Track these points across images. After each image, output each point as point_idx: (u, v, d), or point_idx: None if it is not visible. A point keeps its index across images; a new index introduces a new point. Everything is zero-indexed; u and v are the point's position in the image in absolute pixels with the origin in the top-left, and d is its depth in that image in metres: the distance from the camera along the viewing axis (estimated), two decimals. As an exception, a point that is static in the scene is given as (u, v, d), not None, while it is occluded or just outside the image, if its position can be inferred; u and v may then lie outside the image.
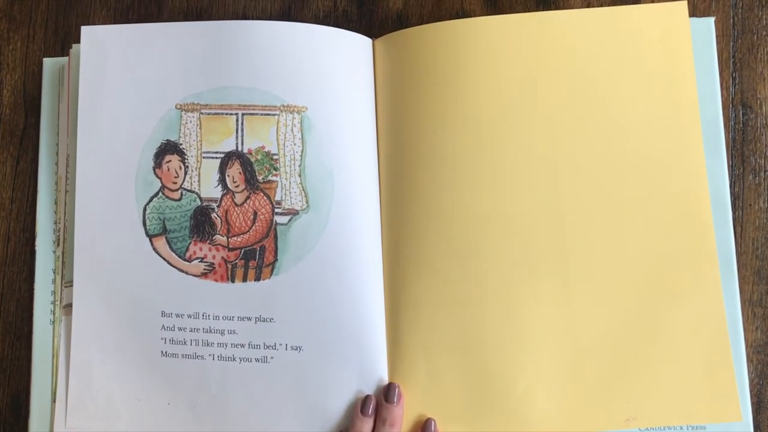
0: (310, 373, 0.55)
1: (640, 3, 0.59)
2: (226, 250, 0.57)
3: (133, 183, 0.57)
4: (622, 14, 0.56)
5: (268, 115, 0.57)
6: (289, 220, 0.56)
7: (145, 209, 0.57)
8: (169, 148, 0.57)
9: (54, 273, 0.59)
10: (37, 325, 0.59)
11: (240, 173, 0.57)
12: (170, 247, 0.57)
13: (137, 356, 0.56)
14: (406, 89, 0.57)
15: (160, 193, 0.57)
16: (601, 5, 0.60)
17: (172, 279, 0.56)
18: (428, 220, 0.55)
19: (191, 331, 0.56)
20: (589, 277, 0.54)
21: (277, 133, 0.57)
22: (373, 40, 0.59)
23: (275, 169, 0.57)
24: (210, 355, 0.56)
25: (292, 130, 0.56)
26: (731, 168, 0.59)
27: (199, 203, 0.57)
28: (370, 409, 0.54)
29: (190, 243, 0.57)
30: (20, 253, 0.62)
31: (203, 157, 0.57)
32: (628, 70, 0.55)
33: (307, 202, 0.56)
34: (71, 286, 0.57)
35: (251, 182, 0.57)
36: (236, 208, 0.57)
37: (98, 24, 0.63)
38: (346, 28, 0.57)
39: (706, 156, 0.55)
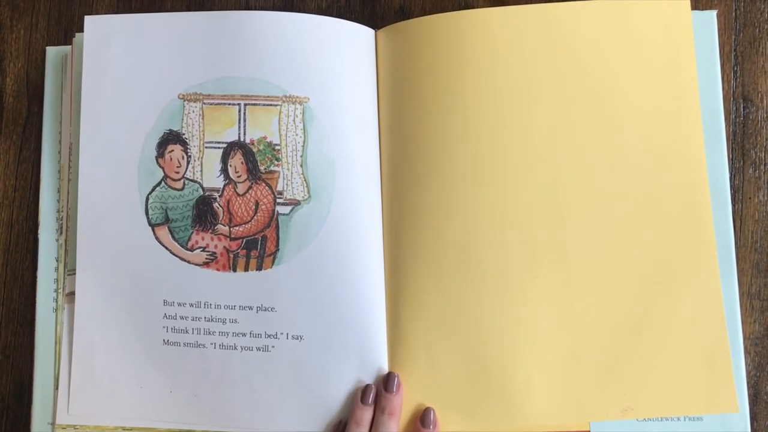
0: (310, 362, 0.55)
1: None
2: (228, 239, 0.57)
3: (136, 172, 0.57)
4: (624, 7, 0.56)
5: (271, 105, 0.57)
6: (291, 210, 0.56)
7: (147, 199, 0.57)
8: (171, 138, 0.57)
9: (57, 261, 0.60)
10: (40, 312, 0.59)
11: (242, 163, 0.57)
12: (172, 237, 0.57)
13: (139, 344, 0.57)
14: (408, 80, 0.57)
15: (163, 183, 0.57)
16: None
17: (174, 268, 0.57)
18: (429, 210, 0.56)
19: (193, 319, 0.56)
20: (588, 268, 0.54)
21: (279, 123, 0.57)
22: (375, 31, 0.59)
23: (277, 159, 0.57)
24: (211, 343, 0.56)
25: (294, 120, 0.57)
26: (731, 161, 0.59)
27: (202, 193, 0.57)
28: (370, 398, 0.54)
29: (192, 232, 0.57)
30: (23, 241, 0.62)
31: (206, 147, 0.57)
32: (629, 62, 0.56)
33: (308, 192, 0.56)
34: (74, 274, 0.58)
35: (253, 172, 0.57)
36: (238, 198, 0.57)
37: (101, 13, 0.63)
38: (348, 19, 0.58)
39: (706, 149, 0.55)
